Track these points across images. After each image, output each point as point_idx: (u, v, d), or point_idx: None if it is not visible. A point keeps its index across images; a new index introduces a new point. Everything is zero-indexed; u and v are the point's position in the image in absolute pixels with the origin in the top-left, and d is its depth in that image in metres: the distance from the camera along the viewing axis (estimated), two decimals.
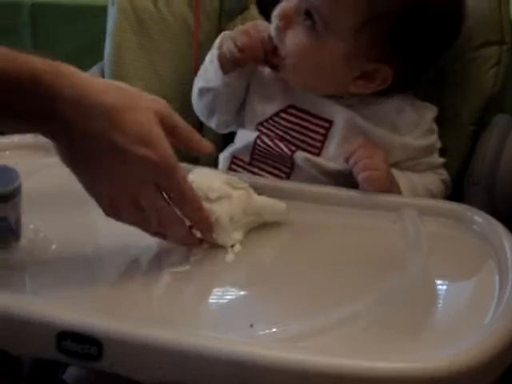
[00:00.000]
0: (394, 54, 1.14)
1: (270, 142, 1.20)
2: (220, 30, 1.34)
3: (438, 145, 1.21)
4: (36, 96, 0.89)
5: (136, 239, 0.99)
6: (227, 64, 1.19)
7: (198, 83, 1.25)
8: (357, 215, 1.09)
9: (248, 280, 0.97)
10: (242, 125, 1.25)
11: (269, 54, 1.17)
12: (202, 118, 1.28)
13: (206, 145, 0.99)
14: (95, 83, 0.92)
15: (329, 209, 1.10)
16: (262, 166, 1.21)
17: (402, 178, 1.16)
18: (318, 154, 1.18)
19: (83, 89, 0.90)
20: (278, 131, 1.20)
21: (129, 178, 0.92)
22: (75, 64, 1.55)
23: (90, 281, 0.95)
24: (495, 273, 0.96)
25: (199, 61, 1.29)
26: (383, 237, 1.06)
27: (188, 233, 0.98)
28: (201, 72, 1.25)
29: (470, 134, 1.22)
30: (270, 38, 1.16)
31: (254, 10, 1.35)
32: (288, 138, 1.20)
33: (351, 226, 1.08)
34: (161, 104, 0.95)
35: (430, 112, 1.21)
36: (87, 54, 1.54)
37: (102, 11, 1.37)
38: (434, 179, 1.19)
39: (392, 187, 1.13)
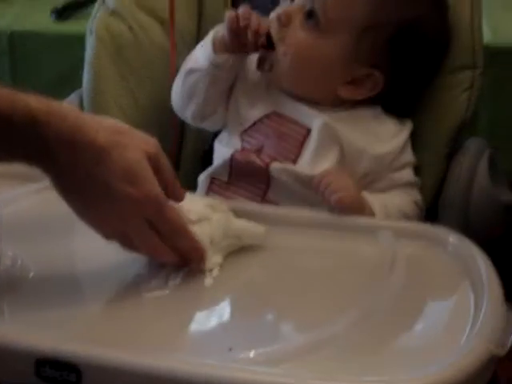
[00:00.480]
0: (389, 62, 1.18)
1: (244, 159, 1.21)
2: None
3: (413, 161, 1.23)
4: (31, 135, 0.91)
5: (115, 265, 1.00)
6: (220, 45, 1.21)
7: (186, 65, 1.26)
8: (334, 238, 1.09)
9: (226, 304, 0.98)
10: (223, 127, 1.26)
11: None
12: (179, 108, 1.28)
13: (180, 194, 1.00)
14: (88, 122, 0.94)
15: (306, 232, 1.10)
16: (240, 183, 1.22)
17: (374, 200, 1.17)
18: (295, 162, 1.20)
19: (77, 129, 0.92)
20: (258, 140, 1.22)
21: (116, 214, 0.95)
22: (54, 92, 1.56)
23: (67, 308, 0.94)
24: (470, 293, 0.97)
25: None
26: (360, 259, 1.07)
27: (178, 260, 0.99)
28: (189, 56, 1.26)
29: (443, 157, 1.23)
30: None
31: None
32: (266, 147, 1.21)
33: (329, 249, 1.08)
34: (151, 143, 0.97)
35: (407, 125, 1.23)
36: (66, 83, 1.56)
37: (81, 39, 1.38)
38: (407, 200, 1.20)
39: (364, 208, 1.14)
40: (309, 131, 1.21)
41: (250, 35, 1.17)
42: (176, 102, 1.28)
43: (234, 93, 1.25)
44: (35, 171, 1.17)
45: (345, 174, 1.17)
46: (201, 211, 1.02)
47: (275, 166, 1.19)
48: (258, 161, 1.20)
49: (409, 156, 1.22)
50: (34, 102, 0.92)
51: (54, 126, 0.91)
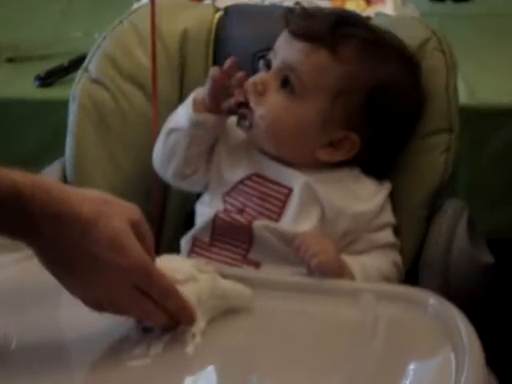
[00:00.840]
0: (365, 123, 1.20)
1: (227, 218, 1.22)
2: None
3: (392, 222, 1.24)
4: (15, 209, 0.92)
5: (96, 334, 1.00)
6: (200, 105, 1.23)
7: (167, 125, 1.28)
8: (316, 301, 1.09)
9: (208, 373, 0.98)
10: (205, 188, 1.28)
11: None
12: (160, 167, 1.29)
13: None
14: (73, 195, 0.95)
15: (288, 295, 1.10)
16: (222, 244, 1.23)
17: (353, 262, 1.18)
18: (277, 221, 1.21)
19: (62, 201, 0.93)
20: (240, 202, 1.23)
21: (105, 283, 0.96)
22: (37, 158, 1.60)
23: (50, 377, 0.94)
24: (451, 357, 0.97)
25: None
26: (342, 322, 1.07)
27: (168, 320, 1.00)
28: (171, 117, 1.28)
29: (422, 219, 1.24)
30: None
31: None
32: (248, 208, 1.22)
33: (311, 313, 1.09)
34: (133, 211, 0.99)
35: (385, 186, 1.25)
36: (49, 149, 1.58)
37: (64, 106, 1.39)
38: (386, 261, 1.21)
39: (344, 271, 1.15)
40: (290, 190, 1.22)
41: (227, 104, 1.20)
42: (157, 162, 1.29)
43: (216, 154, 1.27)
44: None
45: (324, 236, 1.18)
46: (187, 271, 1.03)
47: (258, 224, 1.20)
48: (240, 219, 1.21)
49: (388, 217, 1.24)
50: (19, 176, 0.92)
51: (39, 200, 0.92)
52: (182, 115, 1.26)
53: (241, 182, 1.25)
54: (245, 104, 1.22)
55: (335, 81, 1.20)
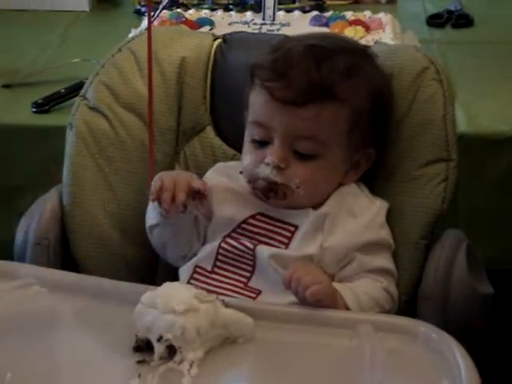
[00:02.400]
0: (374, 136, 1.26)
1: (234, 242, 1.23)
2: (178, 150, 1.37)
3: (387, 242, 1.24)
4: None
5: (92, 365, 0.99)
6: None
7: (146, 223, 1.28)
8: (315, 333, 1.09)
9: None
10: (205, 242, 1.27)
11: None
12: (161, 255, 1.31)
13: None
14: None
15: (286, 326, 1.10)
16: (224, 272, 1.23)
17: (344, 289, 1.17)
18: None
19: None
20: (245, 236, 1.23)
21: None
22: (34, 185, 1.59)
23: None
24: None
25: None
26: (340, 355, 1.06)
27: None
28: (147, 214, 1.28)
29: (421, 249, 1.24)
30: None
31: (210, 131, 1.38)
32: (254, 239, 1.23)
33: (310, 345, 1.08)
34: None
35: (379, 202, 1.25)
36: (46, 176, 1.57)
37: (61, 132, 1.39)
38: (375, 287, 1.20)
39: (337, 298, 1.14)
40: (297, 228, 1.23)
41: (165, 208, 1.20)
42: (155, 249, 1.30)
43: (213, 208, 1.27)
44: (12, 268, 1.19)
45: (312, 265, 1.17)
46: (188, 302, 1.02)
47: (262, 248, 1.21)
48: (246, 242, 1.22)
49: (383, 235, 1.23)
50: None
51: None
52: (152, 212, 1.26)
53: (244, 221, 1.25)
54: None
55: (346, 121, 1.22)
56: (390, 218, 1.25)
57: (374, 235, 1.22)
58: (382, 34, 1.85)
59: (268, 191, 1.23)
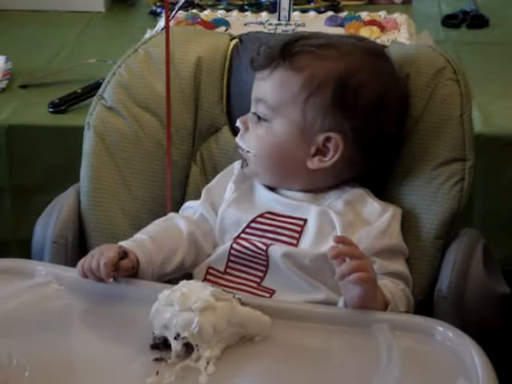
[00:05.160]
0: (340, 120, 1.22)
1: (245, 243, 1.23)
2: (194, 150, 1.38)
3: (403, 249, 1.23)
4: None
5: (109, 363, 1.00)
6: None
7: None
8: (332, 332, 1.09)
9: None
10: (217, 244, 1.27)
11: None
12: None
13: None
14: None
15: (303, 325, 1.10)
16: (237, 273, 1.23)
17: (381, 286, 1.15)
18: (295, 247, 1.22)
19: None
20: (255, 235, 1.23)
21: None
22: (51, 185, 1.60)
23: None
24: None
25: (172, 180, 1.32)
26: (357, 353, 1.06)
27: None
28: None
29: (437, 248, 1.24)
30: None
31: (226, 131, 1.38)
32: (264, 238, 1.23)
33: (326, 344, 1.08)
34: None
35: (392, 208, 1.24)
36: (63, 175, 1.57)
37: (78, 132, 1.39)
38: (396, 289, 1.19)
39: (378, 293, 1.12)
40: (305, 221, 1.23)
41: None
42: None
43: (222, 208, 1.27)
44: (30, 266, 1.19)
45: (363, 253, 1.12)
46: (205, 300, 1.03)
47: (275, 248, 1.21)
48: (258, 243, 1.22)
49: (397, 241, 1.23)
50: None
51: None
52: None
53: (253, 220, 1.25)
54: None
55: (299, 89, 1.22)
56: (407, 218, 1.25)
57: (390, 241, 1.22)
58: (397, 34, 1.85)
59: (242, 159, 1.28)
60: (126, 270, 1.16)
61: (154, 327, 1.05)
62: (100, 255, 1.14)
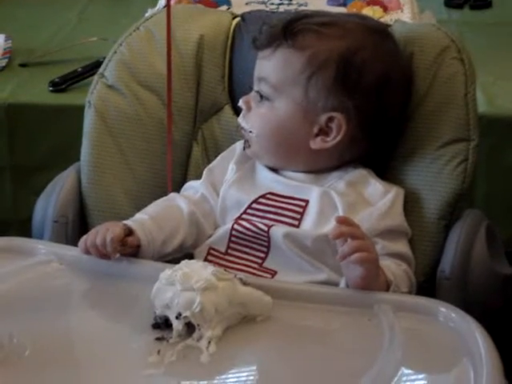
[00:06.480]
0: (343, 100, 1.21)
1: (246, 224, 1.22)
2: (196, 129, 1.37)
3: (405, 230, 1.23)
4: None
5: (111, 342, 0.99)
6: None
7: None
8: (334, 312, 1.09)
9: (222, 381, 0.97)
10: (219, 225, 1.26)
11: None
12: None
13: None
14: None
15: (305, 306, 1.10)
16: (238, 253, 1.22)
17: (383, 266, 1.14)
18: (296, 228, 1.21)
19: None
20: (257, 216, 1.23)
21: None
22: (51, 163, 1.59)
23: None
24: (470, 369, 0.96)
25: (173, 160, 1.31)
26: (359, 334, 1.06)
27: None
28: None
29: (440, 229, 1.23)
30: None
31: (228, 110, 1.37)
32: (266, 219, 1.22)
33: (328, 324, 1.08)
34: None
35: (395, 189, 1.24)
36: (63, 154, 1.57)
37: (78, 111, 1.39)
38: (399, 269, 1.18)
39: (380, 274, 1.12)
40: (307, 202, 1.23)
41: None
42: None
43: (222, 193, 1.27)
44: (31, 245, 1.19)
45: (365, 233, 1.12)
46: (207, 279, 1.03)
47: (276, 229, 1.20)
48: (259, 224, 1.21)
49: (400, 221, 1.22)
50: None
51: None
52: None
53: (255, 201, 1.25)
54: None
55: (301, 68, 1.21)
56: (410, 198, 1.25)
57: (392, 222, 1.21)
58: (400, 14, 1.84)
59: (244, 140, 1.27)
60: (131, 246, 1.16)
61: (155, 307, 1.04)
62: (106, 231, 1.14)
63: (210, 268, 1.06)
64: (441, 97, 1.25)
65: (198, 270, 1.05)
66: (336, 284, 1.15)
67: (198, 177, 1.32)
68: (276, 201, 1.24)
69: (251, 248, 1.22)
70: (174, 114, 1.33)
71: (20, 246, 1.19)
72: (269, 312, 1.06)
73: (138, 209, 1.28)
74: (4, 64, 1.76)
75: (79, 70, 1.69)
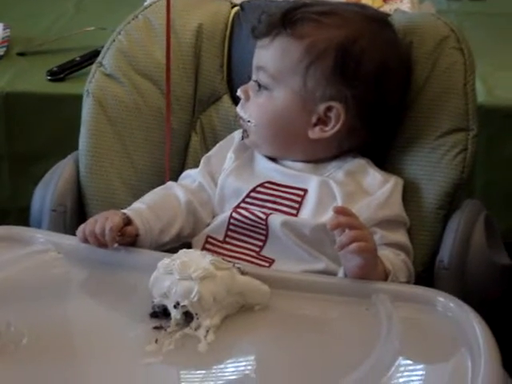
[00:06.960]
0: (342, 89, 1.21)
1: (245, 212, 1.22)
2: (194, 119, 1.37)
3: (404, 220, 1.23)
4: None
5: (108, 331, 0.99)
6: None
7: None
8: (332, 302, 1.09)
9: (220, 373, 0.97)
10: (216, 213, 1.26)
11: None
12: None
13: None
14: None
15: (303, 295, 1.10)
16: (236, 242, 1.23)
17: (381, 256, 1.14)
18: (295, 217, 1.21)
19: None
20: (255, 205, 1.23)
21: None
22: (49, 153, 1.59)
23: (60, 375, 0.94)
24: (467, 359, 0.96)
25: (171, 149, 1.31)
26: (357, 324, 1.06)
27: None
28: None
29: (439, 219, 1.23)
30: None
31: (227, 100, 1.37)
32: (264, 208, 1.22)
33: (326, 313, 1.08)
34: None
35: (394, 178, 1.24)
36: (61, 143, 1.57)
37: (76, 100, 1.38)
38: (397, 259, 1.18)
39: (378, 263, 1.12)
40: (305, 191, 1.23)
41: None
42: None
43: (220, 182, 1.26)
44: (29, 233, 1.19)
45: (362, 223, 1.12)
46: (205, 268, 1.03)
47: (274, 217, 1.20)
48: (257, 213, 1.21)
49: (399, 211, 1.22)
50: None
51: None
52: None
53: (253, 190, 1.24)
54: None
55: (300, 57, 1.21)
56: (408, 188, 1.25)
57: (390, 212, 1.21)
58: (399, 3, 1.83)
59: (243, 130, 1.27)
60: (130, 236, 1.16)
61: (153, 296, 1.04)
62: (105, 220, 1.14)
63: (209, 257, 1.06)
64: (440, 86, 1.25)
65: (196, 259, 1.05)
66: (334, 273, 1.15)
67: (196, 166, 1.32)
68: (275, 190, 1.24)
69: (249, 236, 1.22)
70: (173, 103, 1.33)
71: (18, 235, 1.19)
72: (267, 301, 1.06)
73: (136, 198, 1.27)
74: (2, 53, 1.76)
75: (77, 59, 1.69)
